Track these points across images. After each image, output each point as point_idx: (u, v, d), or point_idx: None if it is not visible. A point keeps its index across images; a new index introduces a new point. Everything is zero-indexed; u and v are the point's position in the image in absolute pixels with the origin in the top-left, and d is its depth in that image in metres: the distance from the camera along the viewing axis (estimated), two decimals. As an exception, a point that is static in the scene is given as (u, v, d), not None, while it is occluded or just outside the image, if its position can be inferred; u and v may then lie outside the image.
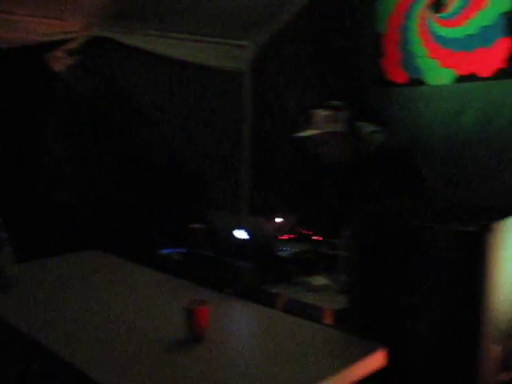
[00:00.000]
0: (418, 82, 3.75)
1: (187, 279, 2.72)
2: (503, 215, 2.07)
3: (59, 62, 3.58)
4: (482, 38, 3.38)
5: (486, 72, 3.40)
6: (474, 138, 3.55)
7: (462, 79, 3.53)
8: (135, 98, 4.07)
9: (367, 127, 3.10)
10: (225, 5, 4.05)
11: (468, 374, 1.98)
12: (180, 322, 1.99)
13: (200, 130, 4.37)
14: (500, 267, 2.00)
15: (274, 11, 4.39)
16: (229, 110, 4.56)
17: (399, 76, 3.83)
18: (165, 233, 3.60)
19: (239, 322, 2.32)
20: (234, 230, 2.70)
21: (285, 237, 3.10)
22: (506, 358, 2.18)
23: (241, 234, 2.68)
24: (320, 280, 2.53)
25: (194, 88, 4.33)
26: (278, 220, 3.22)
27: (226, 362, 1.85)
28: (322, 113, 3.02)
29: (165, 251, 3.12)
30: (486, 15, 3.36)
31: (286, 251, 2.73)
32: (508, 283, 2.14)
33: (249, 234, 2.66)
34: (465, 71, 3.50)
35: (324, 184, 3.28)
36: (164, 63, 4.17)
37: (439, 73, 3.62)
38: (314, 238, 3.04)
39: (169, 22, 4.05)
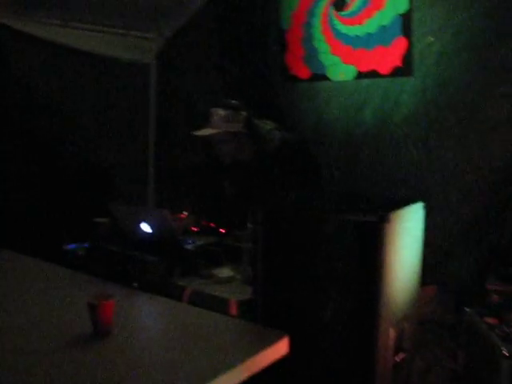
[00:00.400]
0: (321, 77, 3.85)
1: (92, 274, 2.68)
2: (399, 205, 2.18)
3: None
4: (381, 36, 3.53)
5: (384, 69, 3.56)
6: (374, 132, 3.69)
7: (362, 75, 3.66)
8: (36, 90, 3.93)
9: (266, 125, 3.15)
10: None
11: (366, 357, 2.08)
12: (84, 317, 1.96)
13: (106, 123, 4.28)
14: (396, 255, 2.11)
15: (180, 3, 4.36)
16: (136, 103, 4.49)
17: (303, 71, 3.92)
18: (70, 228, 3.51)
19: (145, 316, 2.32)
20: (138, 223, 2.68)
21: (190, 229, 3.11)
22: (400, 340, 2.31)
23: (146, 228, 2.67)
24: (226, 272, 2.56)
25: (99, 80, 4.23)
26: (183, 213, 3.23)
27: (131, 356, 1.84)
28: (220, 112, 3.04)
29: (69, 246, 3.06)
30: (385, 15, 3.50)
31: (191, 244, 2.75)
32: (403, 270, 2.27)
33: (154, 228, 2.65)
34: (365, 68, 3.64)
35: (225, 182, 3.32)
36: (68, 54, 4.04)
37: (341, 69, 3.74)
38: (219, 230, 3.07)
39: (72, 12, 3.94)
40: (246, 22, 4.23)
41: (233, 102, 3.08)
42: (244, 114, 3.05)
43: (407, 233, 2.24)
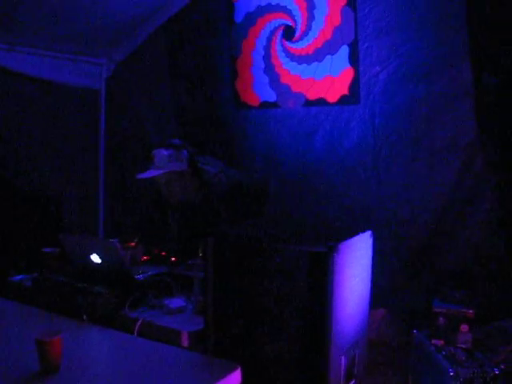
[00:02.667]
0: (270, 104, 3.90)
1: (40, 307, 2.62)
2: (348, 235, 2.21)
3: None
4: (329, 66, 3.60)
5: (332, 98, 3.64)
6: (324, 158, 3.76)
7: (311, 103, 3.73)
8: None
9: (211, 168, 3.18)
10: (81, 21, 3.95)
11: (318, 386, 2.09)
12: (32, 353, 1.91)
13: (55, 150, 4.20)
14: (346, 284, 2.14)
15: (132, 28, 4.35)
16: (85, 129, 4.44)
17: (253, 98, 3.97)
18: (16, 258, 3.43)
19: (94, 350, 2.28)
20: (88, 254, 2.65)
21: (141, 259, 3.08)
22: (351, 366, 2.33)
23: (96, 259, 2.63)
24: (177, 302, 2.54)
25: (47, 106, 4.17)
26: (133, 241, 3.20)
27: (80, 392, 1.81)
28: (163, 153, 3.05)
29: (16, 278, 2.98)
30: (333, 46, 3.58)
31: (142, 274, 2.72)
32: (353, 297, 2.30)
33: (104, 259, 2.62)
34: (313, 96, 3.71)
35: (172, 220, 3.33)
36: (12, 78, 3.97)
37: (290, 97, 3.80)
38: (170, 259, 3.06)
39: (19, 36, 3.88)
40: (197, 49, 4.26)
41: (174, 140, 3.10)
42: (186, 152, 3.07)
43: (356, 261, 2.28)
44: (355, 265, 2.26)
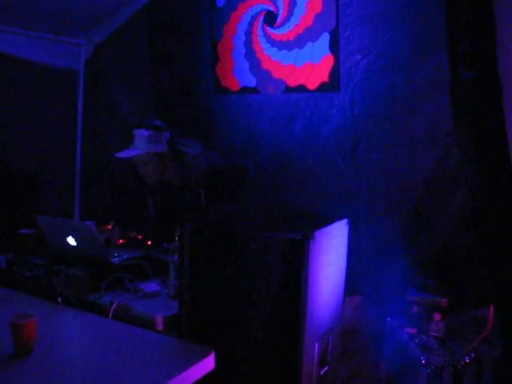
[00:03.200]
0: (250, 90, 3.89)
1: (15, 288, 2.60)
2: (324, 223, 2.23)
3: None
4: (310, 53, 3.60)
5: (312, 85, 3.63)
6: (303, 145, 3.76)
7: (291, 89, 3.72)
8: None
9: (191, 150, 3.18)
10: (61, 1, 3.90)
11: (292, 373, 2.12)
12: (6, 335, 1.91)
13: (32, 130, 4.15)
14: (321, 271, 2.16)
15: (112, 10, 4.29)
16: (63, 111, 4.39)
17: (233, 83, 3.96)
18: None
19: (69, 333, 2.27)
20: (64, 236, 2.63)
21: (117, 242, 3.08)
22: (325, 353, 2.36)
23: (72, 241, 2.62)
24: (152, 286, 2.55)
25: (25, 86, 4.10)
26: (109, 224, 3.19)
27: (52, 375, 1.81)
28: (143, 133, 3.03)
29: (-10, 258, 2.96)
30: (314, 32, 3.57)
31: (117, 258, 2.72)
32: (328, 284, 2.32)
33: (80, 241, 2.61)
34: (294, 83, 3.70)
35: (149, 201, 3.32)
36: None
37: (271, 83, 3.79)
38: (146, 242, 3.06)
39: (-1, 15, 3.82)
40: (178, 31, 4.22)
41: (156, 122, 3.09)
42: (167, 134, 3.06)
43: (332, 249, 2.29)
44: (331, 252, 2.28)
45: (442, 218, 3.37)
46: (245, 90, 3.91)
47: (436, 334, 2.88)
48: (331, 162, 3.67)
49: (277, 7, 3.72)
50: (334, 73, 3.54)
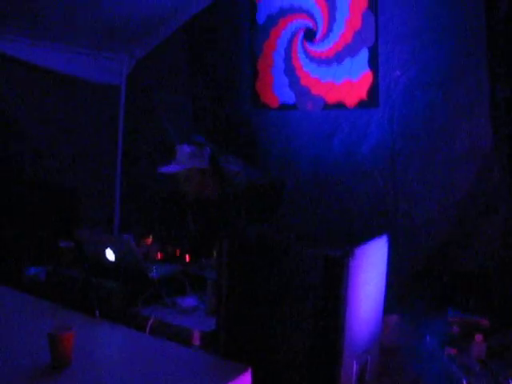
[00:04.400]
0: (289, 106, 3.89)
1: (54, 301, 2.63)
2: (364, 239, 2.20)
3: None
4: (349, 70, 3.59)
5: (350, 102, 3.62)
6: (341, 161, 3.74)
7: (330, 106, 3.71)
8: (0, 108, 3.87)
9: (232, 167, 3.19)
10: (102, 17, 3.97)
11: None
12: (43, 347, 1.92)
13: (73, 144, 4.22)
14: (360, 289, 2.13)
15: (154, 25, 4.36)
16: (104, 125, 4.45)
17: (272, 100, 3.97)
18: (31, 250, 3.45)
19: (105, 346, 2.28)
20: (103, 249, 2.66)
21: (155, 256, 3.09)
22: (363, 372, 2.32)
23: (110, 255, 2.64)
24: (190, 301, 2.54)
25: (67, 100, 4.19)
26: (148, 238, 3.21)
27: (91, 388, 1.82)
28: (185, 149, 3.05)
29: (31, 271, 3.00)
30: (353, 49, 3.56)
31: (155, 272, 2.72)
32: (367, 302, 2.28)
33: (118, 255, 2.63)
34: (332, 100, 3.70)
35: (188, 217, 3.33)
36: (36, 72, 4.00)
37: (310, 99, 3.79)
38: (184, 257, 3.06)
39: (42, 30, 3.90)
40: (218, 47, 4.27)
41: (198, 138, 3.11)
42: (209, 150, 3.08)
43: (371, 266, 2.26)
44: (370, 270, 2.24)
45: (484, 235, 3.31)
46: (284, 106, 3.92)
47: (478, 356, 2.80)
48: (370, 179, 3.64)
49: (316, 24, 3.73)
50: (373, 90, 3.53)
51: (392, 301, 2.78)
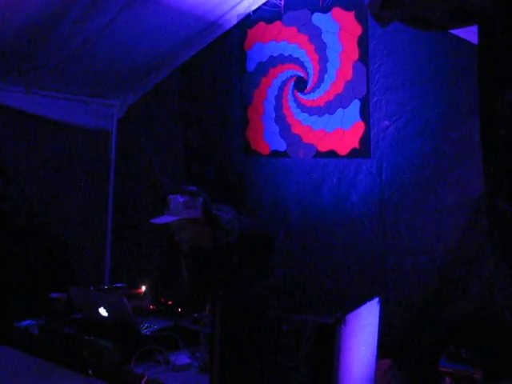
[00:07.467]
0: (280, 154, 3.93)
1: (45, 357, 2.62)
2: (356, 303, 2.21)
3: None
4: (341, 119, 3.64)
5: (342, 150, 3.66)
6: (330, 210, 3.77)
7: (321, 154, 3.75)
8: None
9: (225, 214, 3.20)
10: (94, 63, 4.02)
11: None
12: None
13: (64, 192, 4.23)
14: (352, 352, 2.14)
15: (146, 72, 4.42)
16: (95, 171, 4.47)
17: (263, 147, 4.01)
18: (22, 303, 3.44)
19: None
20: (95, 307, 2.66)
21: (147, 308, 3.09)
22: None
23: (103, 312, 2.65)
24: (182, 359, 2.55)
25: (58, 147, 4.21)
26: (140, 289, 3.21)
27: None
28: (179, 199, 3.08)
29: (22, 323, 2.99)
30: (345, 99, 3.62)
31: (147, 329, 2.73)
32: (358, 364, 2.29)
33: (111, 312, 2.63)
34: (324, 148, 3.74)
35: (183, 267, 3.34)
36: (26, 119, 4.03)
37: (301, 147, 3.83)
38: (176, 309, 3.07)
39: (36, 79, 3.95)
40: (209, 95, 4.31)
41: (190, 187, 3.14)
42: (201, 199, 3.10)
43: (363, 329, 2.27)
44: (363, 333, 2.26)
45: (474, 286, 3.33)
46: (275, 153, 3.96)
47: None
48: (359, 227, 3.66)
49: (307, 73, 3.79)
50: (365, 139, 3.57)
51: (384, 346, 2.78)
